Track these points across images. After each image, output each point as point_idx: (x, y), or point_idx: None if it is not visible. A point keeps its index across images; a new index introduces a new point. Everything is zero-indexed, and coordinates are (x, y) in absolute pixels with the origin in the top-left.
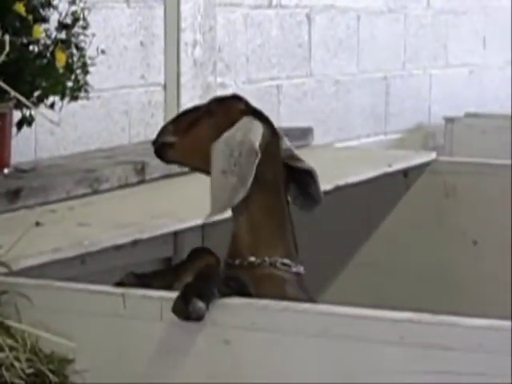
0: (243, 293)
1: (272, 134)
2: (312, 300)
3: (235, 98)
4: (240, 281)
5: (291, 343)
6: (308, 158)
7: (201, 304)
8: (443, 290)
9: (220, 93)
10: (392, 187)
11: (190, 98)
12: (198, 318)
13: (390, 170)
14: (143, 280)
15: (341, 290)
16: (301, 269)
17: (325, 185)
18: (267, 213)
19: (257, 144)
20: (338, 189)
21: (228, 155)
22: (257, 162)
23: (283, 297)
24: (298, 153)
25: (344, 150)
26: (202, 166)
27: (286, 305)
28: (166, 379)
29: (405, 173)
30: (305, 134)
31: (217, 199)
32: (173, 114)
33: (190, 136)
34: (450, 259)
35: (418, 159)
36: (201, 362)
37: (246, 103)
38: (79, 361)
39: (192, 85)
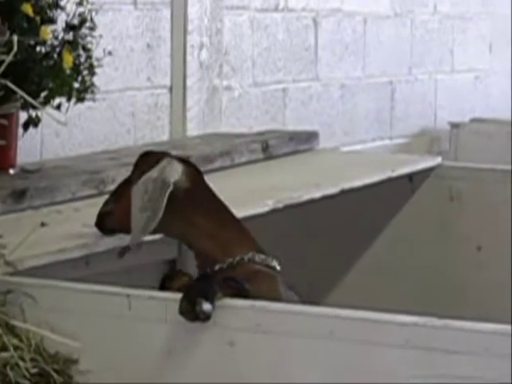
0: (242, 292)
1: (194, 170)
2: (299, 297)
3: (159, 152)
4: (237, 280)
5: (296, 346)
6: (313, 161)
7: (207, 304)
8: (447, 294)
9: (226, 96)
10: (397, 191)
11: (196, 101)
12: (206, 318)
13: (394, 174)
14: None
15: (345, 294)
16: (276, 263)
17: (330, 188)
18: (211, 216)
19: (170, 178)
20: (343, 192)
21: (143, 193)
22: (168, 192)
23: (274, 294)
24: (304, 156)
25: (349, 154)
26: None
27: (290, 307)
28: (170, 380)
29: (410, 177)
30: (310, 137)
31: (134, 233)
32: (179, 117)
33: (123, 199)
34: (453, 264)
35: (424, 164)
36: (205, 364)
37: (169, 154)
38: (83, 361)
39: (198, 87)
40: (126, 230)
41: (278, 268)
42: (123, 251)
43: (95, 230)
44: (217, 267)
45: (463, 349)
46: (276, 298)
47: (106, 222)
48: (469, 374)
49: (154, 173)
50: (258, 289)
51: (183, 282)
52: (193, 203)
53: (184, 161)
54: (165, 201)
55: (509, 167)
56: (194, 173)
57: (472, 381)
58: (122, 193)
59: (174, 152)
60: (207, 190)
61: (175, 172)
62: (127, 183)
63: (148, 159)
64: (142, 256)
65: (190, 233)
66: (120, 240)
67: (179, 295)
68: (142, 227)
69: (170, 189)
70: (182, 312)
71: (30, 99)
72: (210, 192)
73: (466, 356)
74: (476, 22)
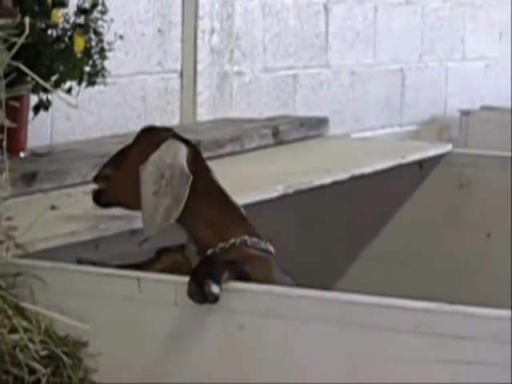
0: (243, 275)
1: (195, 153)
2: (295, 281)
3: (161, 128)
4: (238, 263)
5: (305, 330)
6: (324, 147)
7: (215, 286)
8: (456, 281)
9: (237, 81)
10: (407, 178)
11: (207, 86)
12: (215, 300)
13: (405, 161)
14: None
15: (354, 280)
16: (271, 247)
17: (340, 174)
18: (209, 201)
19: (186, 167)
20: (353, 179)
21: (158, 177)
22: (189, 183)
23: (270, 277)
24: (314, 142)
25: (360, 141)
26: (136, 201)
27: (301, 292)
28: (180, 363)
29: (420, 164)
30: (320, 123)
31: (151, 220)
32: (189, 101)
33: (122, 172)
34: (463, 251)
35: (434, 151)
36: (214, 347)
37: (170, 129)
38: (93, 343)
39: (209, 72)
40: (124, 204)
41: (272, 250)
42: (143, 241)
43: (105, 213)
44: (209, 251)
45: (472, 334)
46: (270, 281)
47: (103, 198)
48: (477, 360)
49: (166, 157)
50: (253, 272)
51: (176, 259)
52: (192, 188)
53: (186, 141)
54: (187, 191)
55: None
56: (195, 156)
57: (482, 367)
58: (119, 166)
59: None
60: (206, 175)
61: (182, 157)
62: (124, 156)
63: (151, 137)
64: (152, 240)
65: (187, 218)
66: (131, 224)
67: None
68: (165, 215)
69: (191, 180)
70: (190, 295)
71: (42, 82)
72: (209, 177)
73: (475, 342)
74: (487, 10)
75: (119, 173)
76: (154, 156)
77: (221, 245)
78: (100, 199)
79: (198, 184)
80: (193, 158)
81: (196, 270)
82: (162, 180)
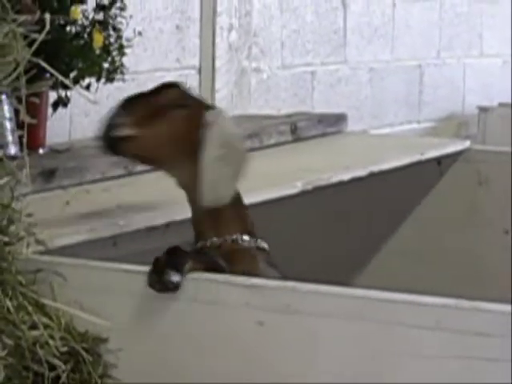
0: (217, 268)
1: None
2: (282, 275)
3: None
4: (210, 255)
5: (325, 327)
6: (342, 144)
7: (174, 274)
8: (474, 278)
9: (255, 78)
10: (425, 175)
11: (225, 82)
12: (175, 287)
13: (423, 157)
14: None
15: (373, 277)
16: (264, 244)
17: (359, 171)
18: None
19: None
20: (372, 175)
21: (223, 142)
22: (245, 165)
23: (254, 270)
24: (332, 139)
25: (378, 137)
26: (168, 160)
27: (320, 288)
28: (199, 360)
29: (438, 161)
30: (339, 120)
31: (211, 187)
32: (207, 98)
33: (157, 128)
34: (481, 248)
35: (452, 147)
36: (234, 343)
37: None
38: (113, 340)
39: (226, 69)
40: (151, 160)
41: (265, 247)
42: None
43: (124, 210)
44: (199, 245)
45: (492, 331)
46: (254, 274)
47: (128, 147)
48: (498, 356)
49: (229, 125)
50: (238, 266)
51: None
52: None
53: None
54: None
55: None
56: None
57: (503, 363)
58: (144, 116)
59: None
60: None
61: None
62: (151, 107)
63: (196, 101)
64: (170, 236)
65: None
66: (150, 221)
67: (208, 275)
68: (225, 186)
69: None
70: (150, 284)
71: (62, 78)
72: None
73: (495, 338)
74: (505, 7)
75: (152, 130)
76: (217, 119)
77: (214, 239)
78: (123, 149)
79: None
80: None
81: (157, 259)
82: (227, 146)
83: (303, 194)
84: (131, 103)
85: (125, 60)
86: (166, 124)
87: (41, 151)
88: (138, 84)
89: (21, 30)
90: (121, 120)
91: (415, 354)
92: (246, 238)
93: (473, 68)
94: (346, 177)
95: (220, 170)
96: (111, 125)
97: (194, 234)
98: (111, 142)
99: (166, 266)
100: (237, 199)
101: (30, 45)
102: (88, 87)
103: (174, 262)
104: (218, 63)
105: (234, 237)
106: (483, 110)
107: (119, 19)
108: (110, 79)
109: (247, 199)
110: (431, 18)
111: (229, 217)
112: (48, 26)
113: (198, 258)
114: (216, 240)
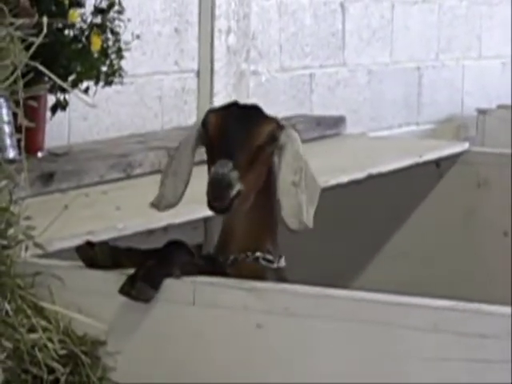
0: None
1: None
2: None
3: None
4: (197, 265)
5: (324, 329)
6: (340, 146)
7: (145, 286)
8: (474, 280)
9: (253, 81)
10: (424, 177)
11: (223, 85)
12: (145, 299)
13: (422, 159)
14: (114, 252)
15: (371, 280)
16: (282, 263)
17: (357, 173)
18: (259, 210)
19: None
20: (370, 177)
21: (297, 168)
22: (319, 194)
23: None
24: (331, 141)
25: (377, 140)
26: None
27: (319, 291)
28: (198, 362)
29: (437, 163)
30: (337, 122)
31: (293, 211)
32: (206, 101)
33: (255, 172)
34: (480, 250)
35: (451, 149)
36: (232, 346)
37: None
38: (111, 343)
39: (225, 72)
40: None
41: (282, 265)
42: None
43: (123, 212)
44: (221, 259)
45: (491, 333)
46: None
47: (236, 203)
48: (497, 358)
49: (299, 150)
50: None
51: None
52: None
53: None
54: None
55: None
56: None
57: (501, 365)
58: (246, 163)
59: None
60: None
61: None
62: (251, 150)
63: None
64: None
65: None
66: (148, 224)
67: (208, 279)
68: (306, 211)
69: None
70: (121, 291)
71: (60, 81)
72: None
73: (494, 340)
74: (503, 8)
75: (251, 176)
76: (290, 149)
77: (235, 256)
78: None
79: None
80: None
81: (137, 269)
82: (300, 173)
83: None
84: (235, 150)
85: (123, 63)
86: (262, 166)
87: (39, 155)
88: (137, 87)
89: (18, 33)
90: (234, 175)
91: (415, 356)
92: (268, 257)
93: (471, 70)
94: (344, 179)
95: (297, 194)
96: (223, 188)
97: (219, 242)
98: (226, 206)
99: (140, 278)
100: (273, 214)
101: (27, 48)
102: (86, 91)
103: (149, 273)
104: (216, 66)
105: (256, 255)
106: (482, 112)
107: (117, 22)
108: (108, 82)
109: None
110: (430, 21)
111: (259, 234)
112: (46, 30)
113: (186, 268)
114: (237, 256)
